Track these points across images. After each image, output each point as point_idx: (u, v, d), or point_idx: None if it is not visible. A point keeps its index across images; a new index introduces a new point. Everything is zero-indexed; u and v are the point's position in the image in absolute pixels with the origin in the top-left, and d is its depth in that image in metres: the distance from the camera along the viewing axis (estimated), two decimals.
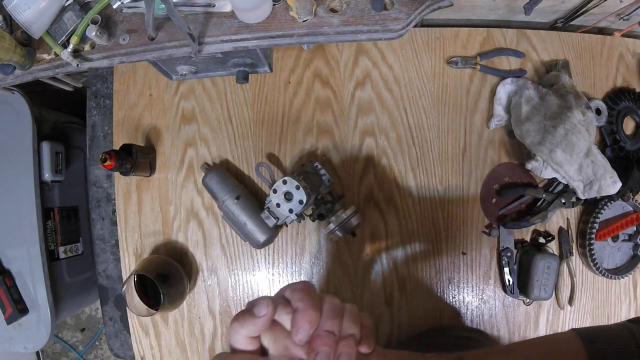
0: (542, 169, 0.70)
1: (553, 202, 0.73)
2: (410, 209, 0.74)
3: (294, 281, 0.72)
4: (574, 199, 0.73)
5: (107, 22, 0.53)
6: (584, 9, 0.74)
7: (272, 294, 0.35)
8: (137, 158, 0.68)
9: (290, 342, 0.31)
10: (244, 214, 0.67)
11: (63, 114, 0.95)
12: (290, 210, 0.62)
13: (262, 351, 0.32)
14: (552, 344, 0.39)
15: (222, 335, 0.73)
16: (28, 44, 0.53)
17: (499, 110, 0.74)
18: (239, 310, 0.73)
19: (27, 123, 0.80)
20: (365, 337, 0.32)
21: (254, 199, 0.71)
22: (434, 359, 0.34)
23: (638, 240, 0.75)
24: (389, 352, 0.34)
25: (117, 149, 0.67)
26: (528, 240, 0.75)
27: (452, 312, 0.74)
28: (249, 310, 0.30)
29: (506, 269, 0.73)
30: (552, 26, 0.83)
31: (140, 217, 0.74)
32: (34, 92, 0.86)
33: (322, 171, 0.70)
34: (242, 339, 0.30)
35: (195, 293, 0.73)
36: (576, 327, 0.75)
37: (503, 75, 0.76)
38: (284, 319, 0.31)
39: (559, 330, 0.75)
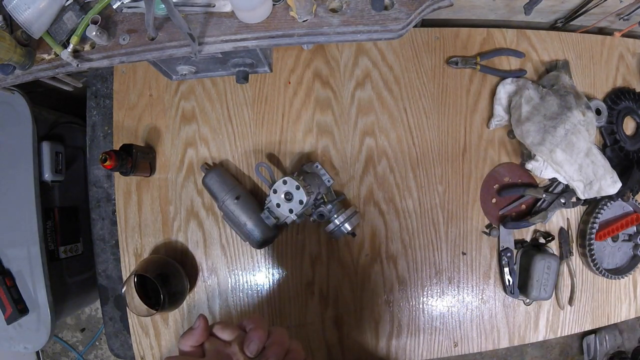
0: (542, 169, 0.70)
1: (553, 202, 0.73)
2: (410, 209, 0.74)
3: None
4: (574, 199, 0.73)
5: (107, 22, 0.53)
6: (584, 9, 0.74)
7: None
8: (137, 158, 0.68)
9: (222, 346, 0.40)
10: (244, 214, 0.67)
11: (63, 114, 0.95)
12: (290, 210, 0.62)
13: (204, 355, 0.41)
14: None
15: None
16: (28, 44, 0.53)
17: (499, 110, 0.74)
18: (238, 310, 0.73)
19: (27, 123, 0.80)
20: None
21: (254, 199, 0.71)
22: None
23: (638, 240, 0.75)
24: None
25: (117, 149, 0.67)
26: (528, 240, 0.76)
27: (452, 312, 0.74)
28: (190, 328, 0.41)
29: (506, 269, 0.73)
30: (552, 26, 0.83)
31: (140, 217, 0.74)
32: (34, 92, 0.86)
33: (322, 171, 0.70)
34: (187, 348, 0.40)
35: (195, 293, 0.73)
36: (576, 327, 0.76)
37: (503, 75, 0.76)
38: (225, 335, 0.41)
39: (559, 330, 0.76)
